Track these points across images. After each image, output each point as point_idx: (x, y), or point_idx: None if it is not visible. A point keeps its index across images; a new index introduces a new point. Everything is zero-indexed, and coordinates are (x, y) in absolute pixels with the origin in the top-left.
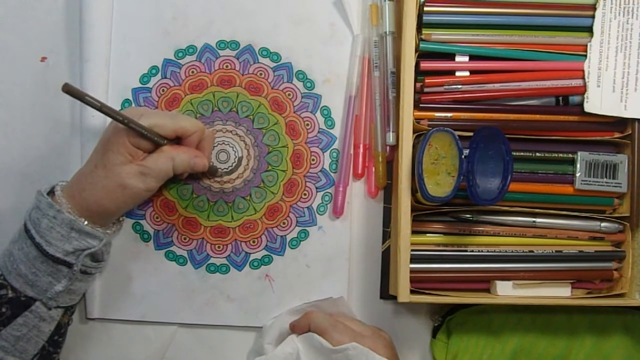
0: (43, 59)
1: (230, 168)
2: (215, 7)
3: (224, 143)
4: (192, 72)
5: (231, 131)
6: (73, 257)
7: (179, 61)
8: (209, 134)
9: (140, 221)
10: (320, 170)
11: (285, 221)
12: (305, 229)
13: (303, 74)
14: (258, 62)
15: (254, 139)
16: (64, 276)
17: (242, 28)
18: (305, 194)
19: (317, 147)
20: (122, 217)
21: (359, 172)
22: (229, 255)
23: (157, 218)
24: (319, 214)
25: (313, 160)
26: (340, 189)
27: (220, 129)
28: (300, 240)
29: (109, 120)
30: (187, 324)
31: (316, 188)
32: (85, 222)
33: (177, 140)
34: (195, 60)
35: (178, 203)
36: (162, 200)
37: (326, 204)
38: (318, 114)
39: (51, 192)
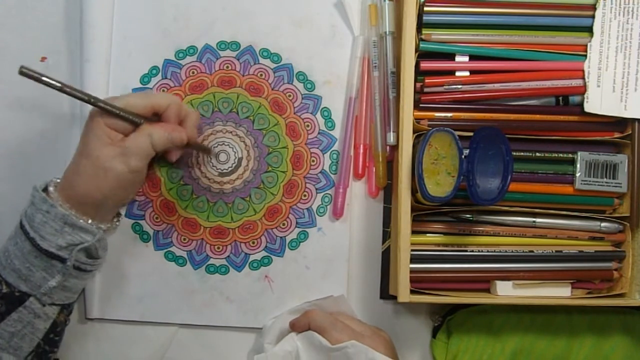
0: (43, 59)
1: (230, 169)
2: (216, 7)
3: (224, 144)
4: (193, 72)
5: (231, 132)
6: (66, 252)
7: (180, 62)
8: (191, 111)
9: (139, 221)
10: (320, 172)
11: (284, 222)
12: (304, 230)
13: (303, 75)
14: (258, 63)
15: (254, 139)
16: (58, 271)
17: (242, 29)
18: (305, 195)
19: (317, 148)
20: (119, 216)
21: (360, 172)
22: (228, 256)
23: (156, 218)
24: (318, 215)
25: (313, 161)
26: (340, 190)
27: (221, 130)
28: (300, 242)
29: None
30: (186, 325)
31: (316, 189)
32: (75, 213)
33: (157, 118)
34: (196, 61)
35: (178, 204)
36: (161, 201)
37: (326, 205)
38: (318, 115)
39: (45, 189)
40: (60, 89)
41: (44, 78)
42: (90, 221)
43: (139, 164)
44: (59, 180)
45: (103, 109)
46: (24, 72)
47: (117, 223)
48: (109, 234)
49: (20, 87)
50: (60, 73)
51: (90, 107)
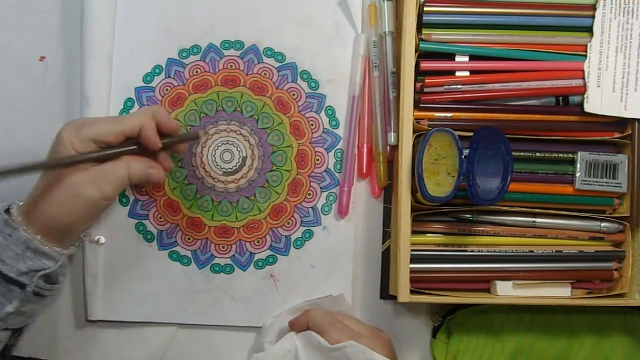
0: (42, 58)
1: (234, 168)
2: (219, 6)
3: (228, 143)
4: (196, 71)
5: (235, 131)
6: (26, 278)
7: (183, 61)
8: (157, 111)
9: (143, 221)
10: (325, 170)
11: (289, 221)
12: (309, 229)
13: (307, 73)
14: (262, 62)
15: (258, 138)
16: (16, 297)
17: (246, 28)
18: (309, 194)
19: (322, 147)
20: (82, 238)
21: (364, 172)
22: (233, 255)
23: (160, 218)
24: (323, 214)
25: (317, 160)
26: (345, 188)
27: (224, 129)
28: (305, 240)
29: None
30: (190, 325)
31: (321, 188)
32: (40, 239)
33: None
34: (200, 60)
35: (182, 203)
36: (165, 200)
37: (331, 204)
38: (322, 113)
39: (7, 210)
40: (29, 169)
41: (8, 170)
42: (53, 247)
43: (112, 192)
44: (21, 203)
45: (82, 161)
46: None
47: (75, 248)
48: (69, 259)
49: (19, 87)
50: (59, 72)
51: (67, 123)
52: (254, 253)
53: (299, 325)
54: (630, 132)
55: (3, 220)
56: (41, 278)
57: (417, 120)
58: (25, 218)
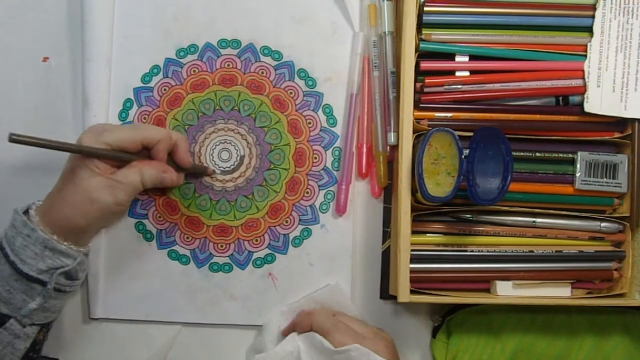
0: (45, 59)
1: (232, 167)
2: (216, 6)
3: (226, 142)
4: (194, 71)
5: (233, 130)
6: (47, 276)
7: (181, 60)
8: (179, 139)
9: (142, 220)
10: (323, 169)
11: (288, 220)
12: (308, 228)
13: (304, 72)
14: (259, 61)
15: (255, 137)
16: (38, 294)
17: (243, 27)
18: (307, 193)
19: (319, 145)
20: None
21: (363, 171)
22: (231, 254)
23: (159, 217)
24: (321, 212)
25: (315, 158)
26: (343, 187)
27: (222, 128)
28: (303, 239)
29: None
30: (190, 324)
31: (319, 186)
32: (56, 238)
33: (147, 152)
34: (197, 59)
35: (180, 202)
36: (164, 200)
37: (329, 202)
38: (320, 112)
39: (26, 212)
40: (55, 147)
41: (34, 140)
42: (71, 245)
43: (125, 198)
44: (40, 203)
45: (95, 154)
46: (15, 139)
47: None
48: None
49: (23, 87)
50: (62, 73)
51: (84, 128)
52: (253, 252)
53: (302, 326)
54: (630, 132)
55: (22, 222)
56: (61, 275)
57: (417, 120)
58: (42, 218)
